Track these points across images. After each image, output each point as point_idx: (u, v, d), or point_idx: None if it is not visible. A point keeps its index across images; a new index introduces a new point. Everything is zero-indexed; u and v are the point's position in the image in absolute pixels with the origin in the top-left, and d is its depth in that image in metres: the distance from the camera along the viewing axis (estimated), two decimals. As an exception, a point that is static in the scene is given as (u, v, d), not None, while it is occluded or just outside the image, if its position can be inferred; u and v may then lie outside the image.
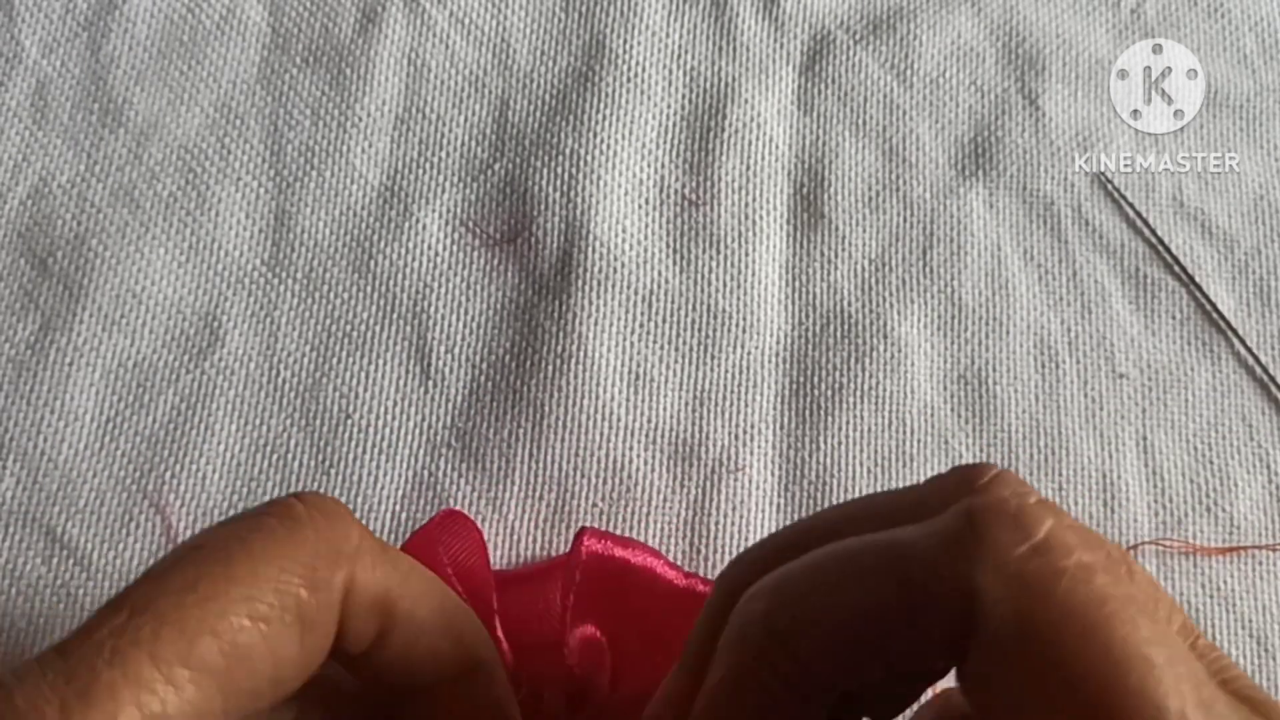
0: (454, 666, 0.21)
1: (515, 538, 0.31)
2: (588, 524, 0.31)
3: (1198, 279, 0.34)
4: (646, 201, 0.35)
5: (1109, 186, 0.34)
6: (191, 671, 0.17)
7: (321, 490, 0.31)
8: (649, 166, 0.35)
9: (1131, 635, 0.16)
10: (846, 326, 0.33)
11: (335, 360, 0.33)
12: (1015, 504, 0.18)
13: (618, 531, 0.31)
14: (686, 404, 0.33)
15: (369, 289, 0.34)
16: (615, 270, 0.34)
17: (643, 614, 0.28)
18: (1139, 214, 0.33)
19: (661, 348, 0.33)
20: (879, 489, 0.32)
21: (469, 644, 0.22)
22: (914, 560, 0.18)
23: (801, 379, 0.33)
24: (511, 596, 0.28)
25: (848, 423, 0.32)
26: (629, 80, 0.36)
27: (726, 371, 0.33)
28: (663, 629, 0.28)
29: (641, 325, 0.33)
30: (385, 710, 0.22)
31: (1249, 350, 0.33)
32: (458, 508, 0.31)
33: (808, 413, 0.32)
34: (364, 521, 0.31)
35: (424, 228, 0.35)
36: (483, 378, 0.33)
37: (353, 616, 0.19)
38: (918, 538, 0.18)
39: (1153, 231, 0.34)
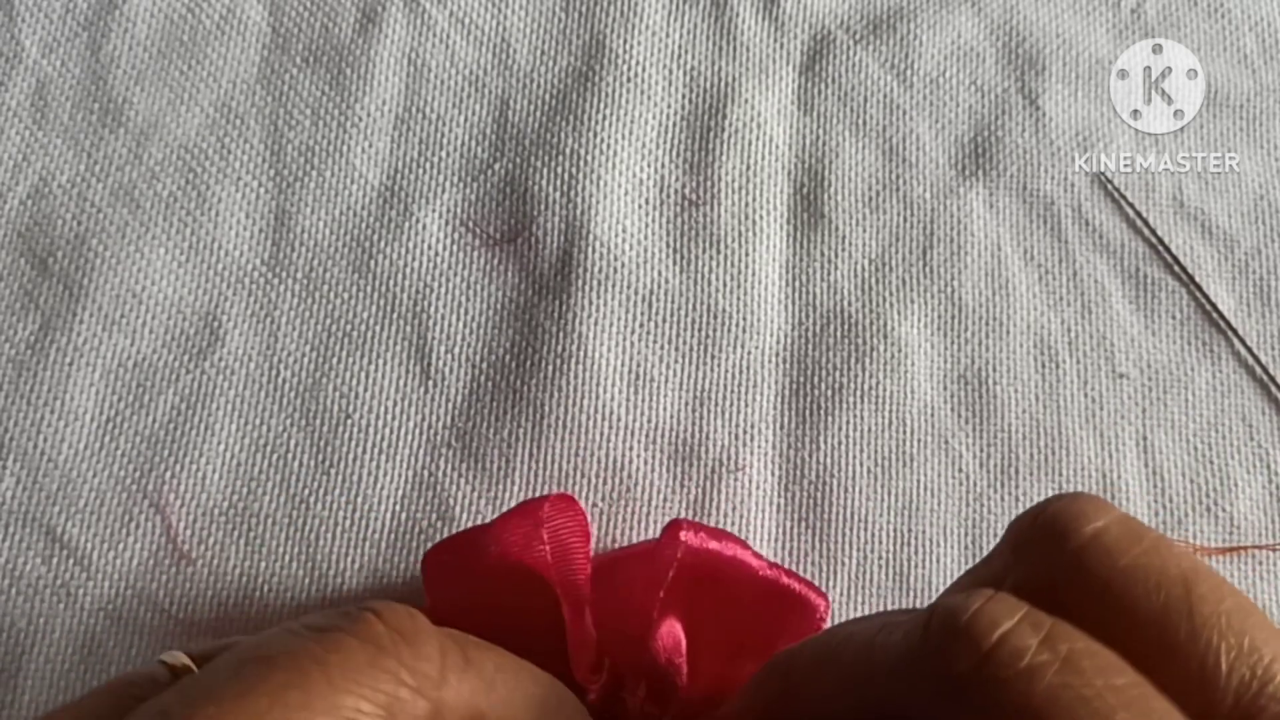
0: None
1: (515, 538, 0.31)
2: (589, 523, 0.31)
3: (1198, 279, 0.34)
4: (646, 201, 0.35)
5: (1109, 186, 0.34)
6: None
7: (322, 490, 0.31)
8: (649, 166, 0.35)
9: None
10: (846, 326, 0.33)
11: (335, 360, 0.33)
12: (968, 619, 0.17)
13: (619, 530, 0.31)
14: (686, 404, 0.33)
15: (369, 289, 0.34)
16: (615, 270, 0.34)
17: (724, 607, 0.28)
18: (1139, 214, 0.33)
19: (661, 348, 0.33)
20: (879, 489, 0.32)
21: None
22: (880, 667, 0.18)
23: (801, 379, 0.33)
24: (602, 580, 0.28)
25: (848, 423, 0.32)
26: (629, 80, 0.36)
27: (726, 371, 0.33)
28: (741, 623, 0.28)
29: (641, 325, 0.33)
30: None
31: (1249, 350, 0.33)
32: (459, 507, 0.31)
33: (808, 412, 0.32)
34: (364, 522, 0.31)
35: (424, 227, 0.35)
36: (483, 377, 0.33)
37: None
38: (889, 643, 0.18)
39: (1153, 231, 0.34)
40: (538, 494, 0.31)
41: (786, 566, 0.29)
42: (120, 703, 0.17)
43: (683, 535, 0.27)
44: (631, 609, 0.27)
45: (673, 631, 0.27)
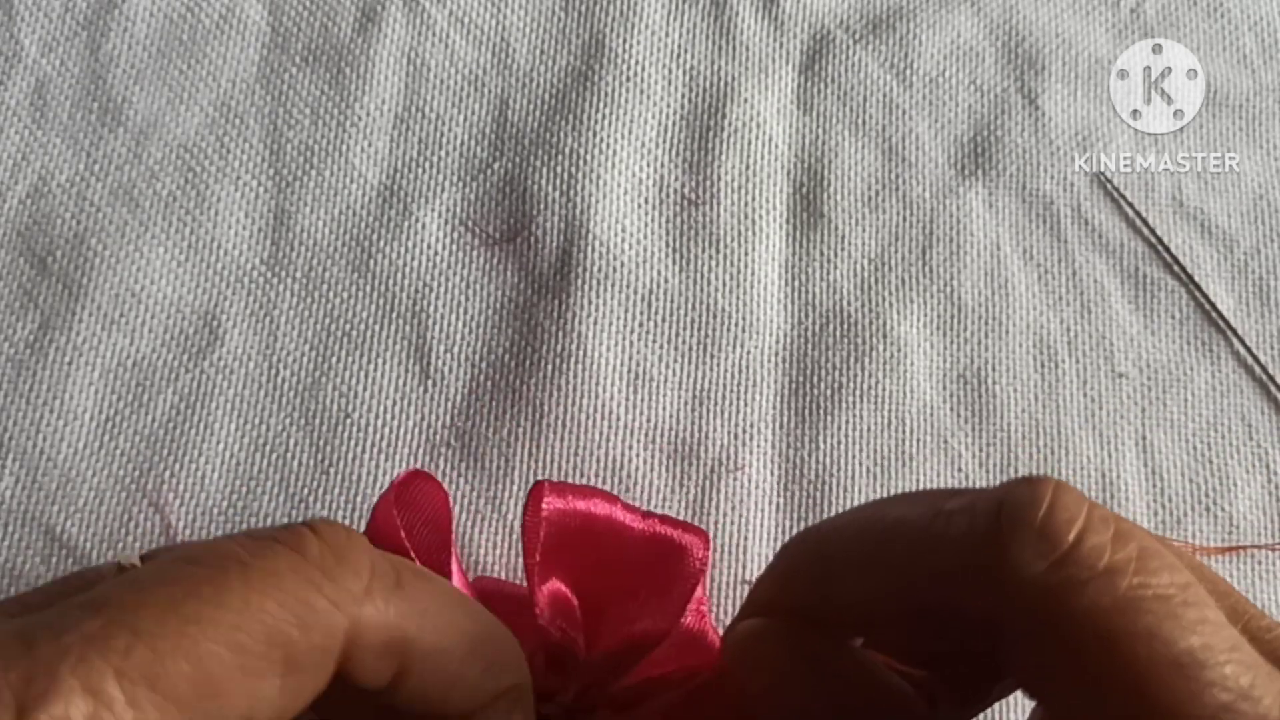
0: (481, 694, 0.20)
1: (515, 537, 0.31)
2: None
3: (1197, 279, 0.34)
4: (646, 201, 0.35)
5: (1108, 186, 0.34)
6: (156, 696, 0.16)
7: (321, 490, 0.31)
8: (649, 166, 0.35)
9: (1161, 640, 0.16)
10: (846, 326, 0.33)
11: (335, 359, 0.33)
12: (1044, 514, 0.17)
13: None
14: (686, 403, 0.33)
15: (368, 288, 0.34)
16: (615, 270, 0.34)
17: (607, 565, 0.27)
18: (1139, 214, 0.33)
19: (661, 347, 0.33)
20: (879, 489, 0.32)
21: (498, 669, 0.21)
22: (945, 557, 0.18)
23: (801, 379, 0.33)
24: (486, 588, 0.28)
25: (847, 422, 0.32)
26: (629, 80, 0.36)
27: (726, 371, 0.33)
28: (627, 578, 0.27)
29: (641, 325, 0.33)
30: None
31: (1248, 350, 0.33)
32: (458, 507, 0.31)
33: (807, 412, 0.32)
34: (364, 522, 0.31)
35: (423, 227, 0.35)
36: (482, 377, 0.33)
37: (361, 660, 0.18)
38: (952, 535, 0.18)
39: (1152, 231, 0.34)
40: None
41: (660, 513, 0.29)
42: (67, 589, 0.18)
43: (546, 499, 0.27)
44: (512, 591, 0.27)
45: (557, 592, 0.27)
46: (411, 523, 0.27)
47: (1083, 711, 0.17)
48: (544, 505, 0.27)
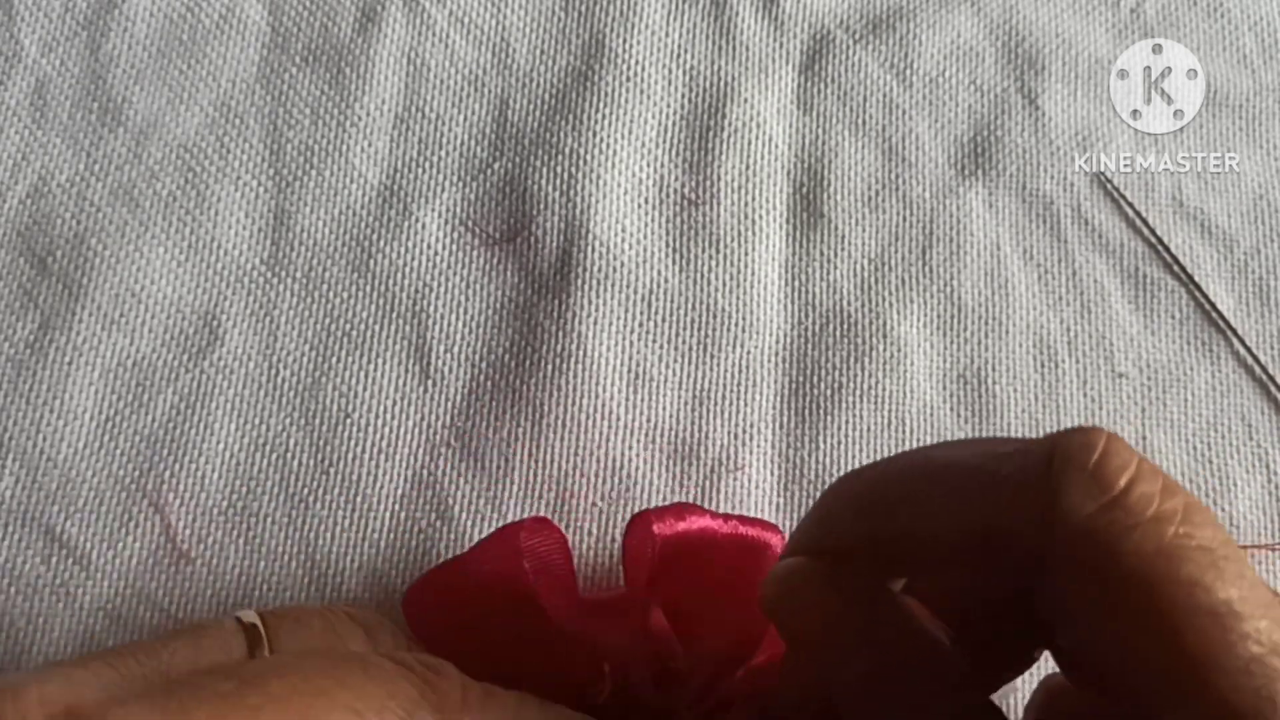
0: None
1: (515, 537, 0.31)
2: (588, 522, 0.31)
3: (1197, 279, 0.34)
4: (646, 201, 0.35)
5: (1108, 186, 0.34)
6: None
7: (321, 490, 0.31)
8: (649, 166, 0.35)
9: (1202, 588, 0.16)
10: (846, 326, 0.33)
11: (335, 360, 0.33)
12: (1097, 459, 0.17)
13: (619, 530, 0.31)
14: (686, 403, 0.33)
15: (368, 288, 0.34)
16: (615, 270, 0.34)
17: (702, 577, 0.28)
18: (1139, 213, 0.33)
19: (661, 347, 0.33)
20: (878, 488, 0.32)
21: None
22: (995, 496, 0.18)
23: (801, 379, 0.33)
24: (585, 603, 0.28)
25: (847, 422, 0.32)
26: (629, 80, 0.36)
27: (726, 371, 0.33)
28: (717, 584, 0.28)
29: (641, 325, 0.33)
30: None
31: (1248, 350, 0.33)
32: (458, 507, 0.31)
33: (807, 412, 0.32)
34: (363, 521, 0.31)
35: (423, 227, 0.35)
36: (482, 377, 0.33)
37: None
38: (1004, 475, 0.18)
39: (1152, 231, 0.34)
40: (537, 493, 0.31)
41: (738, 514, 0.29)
42: (195, 646, 0.21)
43: (655, 528, 0.27)
44: (619, 609, 0.27)
45: (658, 620, 0.27)
46: (533, 549, 0.27)
47: (1116, 655, 0.17)
48: (655, 532, 0.27)
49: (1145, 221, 0.34)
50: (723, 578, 0.28)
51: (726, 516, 0.28)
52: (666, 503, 0.31)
